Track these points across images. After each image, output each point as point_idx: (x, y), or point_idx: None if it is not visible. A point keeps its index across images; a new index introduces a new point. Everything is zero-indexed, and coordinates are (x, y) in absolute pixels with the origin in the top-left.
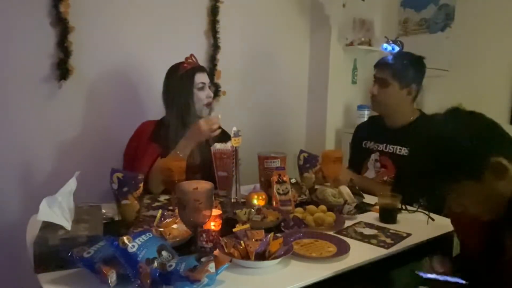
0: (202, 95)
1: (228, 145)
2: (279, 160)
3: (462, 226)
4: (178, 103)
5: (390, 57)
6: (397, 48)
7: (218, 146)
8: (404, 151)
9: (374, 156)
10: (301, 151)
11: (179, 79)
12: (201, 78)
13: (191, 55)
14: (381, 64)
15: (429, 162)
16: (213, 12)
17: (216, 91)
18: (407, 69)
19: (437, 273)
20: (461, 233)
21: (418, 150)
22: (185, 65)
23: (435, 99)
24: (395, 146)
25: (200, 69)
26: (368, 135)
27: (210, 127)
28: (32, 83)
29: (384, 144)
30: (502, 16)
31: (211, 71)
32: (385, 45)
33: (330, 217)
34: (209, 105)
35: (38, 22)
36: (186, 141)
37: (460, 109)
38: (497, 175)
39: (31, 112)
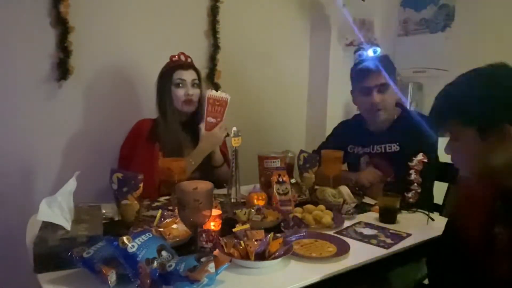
0: (180, 92)
1: (223, 94)
2: (279, 160)
3: (463, 206)
4: (159, 99)
5: (374, 61)
6: (378, 50)
7: (214, 92)
8: (394, 147)
9: (363, 160)
10: (301, 151)
11: (160, 76)
12: (181, 74)
13: (179, 53)
14: (374, 70)
15: (452, 97)
16: (213, 12)
17: (216, 91)
18: (392, 66)
19: None
20: (461, 215)
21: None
22: (169, 63)
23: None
24: (383, 145)
25: (182, 66)
26: (352, 139)
27: (223, 133)
28: (32, 83)
29: (371, 146)
30: (502, 16)
31: (211, 71)
32: (364, 53)
33: (328, 215)
34: (188, 102)
35: (38, 22)
36: (201, 150)
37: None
38: (502, 141)
39: (31, 112)
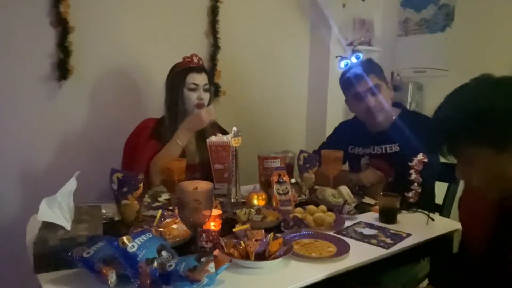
0: (192, 96)
1: (224, 138)
2: (279, 160)
3: (471, 216)
4: (170, 101)
5: (359, 66)
6: (361, 56)
7: (213, 138)
8: (395, 148)
9: (364, 161)
10: (301, 151)
11: (172, 78)
12: (194, 78)
13: (192, 54)
14: (361, 75)
15: (456, 120)
16: (213, 12)
17: (216, 91)
18: (379, 68)
19: None
20: (468, 224)
21: (443, 113)
22: (182, 64)
23: (435, 99)
24: (384, 146)
25: (196, 69)
26: (352, 140)
27: (209, 116)
28: (32, 83)
29: (372, 147)
30: (502, 16)
31: (211, 71)
32: (345, 61)
33: (330, 217)
34: (200, 106)
35: (38, 22)
36: (185, 129)
37: (491, 75)
38: None
39: (31, 112)
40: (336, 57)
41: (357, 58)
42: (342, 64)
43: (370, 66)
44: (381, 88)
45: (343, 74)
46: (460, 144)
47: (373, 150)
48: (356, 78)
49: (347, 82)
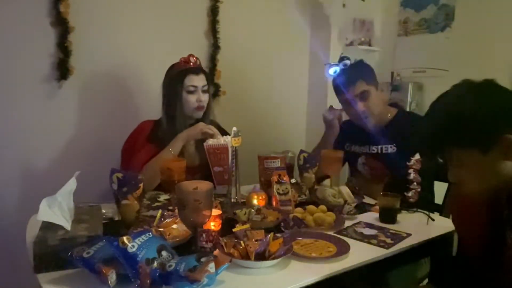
0: (192, 99)
1: (221, 140)
2: (279, 160)
3: (463, 217)
4: (168, 104)
5: (348, 73)
6: (349, 63)
7: (210, 141)
8: (391, 148)
9: (361, 160)
10: (301, 151)
11: (170, 81)
12: (193, 80)
13: (189, 55)
14: (350, 82)
15: (440, 125)
16: (213, 12)
17: (216, 91)
18: (369, 71)
19: None
20: (461, 225)
21: (430, 118)
22: (179, 65)
23: (435, 99)
24: (379, 146)
25: (194, 71)
26: (350, 137)
27: (205, 129)
28: (32, 83)
29: (368, 146)
30: (502, 16)
31: (211, 71)
32: (334, 68)
33: (330, 217)
34: (200, 109)
35: (38, 22)
36: (181, 139)
37: (472, 80)
38: (505, 153)
39: (31, 112)
40: (325, 64)
41: (345, 65)
42: (331, 71)
43: (359, 71)
44: (370, 93)
45: (334, 80)
46: (448, 148)
47: (369, 149)
48: (344, 85)
49: (336, 89)
